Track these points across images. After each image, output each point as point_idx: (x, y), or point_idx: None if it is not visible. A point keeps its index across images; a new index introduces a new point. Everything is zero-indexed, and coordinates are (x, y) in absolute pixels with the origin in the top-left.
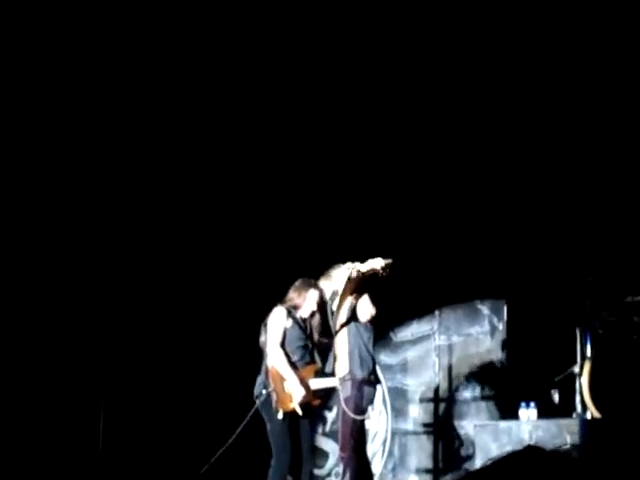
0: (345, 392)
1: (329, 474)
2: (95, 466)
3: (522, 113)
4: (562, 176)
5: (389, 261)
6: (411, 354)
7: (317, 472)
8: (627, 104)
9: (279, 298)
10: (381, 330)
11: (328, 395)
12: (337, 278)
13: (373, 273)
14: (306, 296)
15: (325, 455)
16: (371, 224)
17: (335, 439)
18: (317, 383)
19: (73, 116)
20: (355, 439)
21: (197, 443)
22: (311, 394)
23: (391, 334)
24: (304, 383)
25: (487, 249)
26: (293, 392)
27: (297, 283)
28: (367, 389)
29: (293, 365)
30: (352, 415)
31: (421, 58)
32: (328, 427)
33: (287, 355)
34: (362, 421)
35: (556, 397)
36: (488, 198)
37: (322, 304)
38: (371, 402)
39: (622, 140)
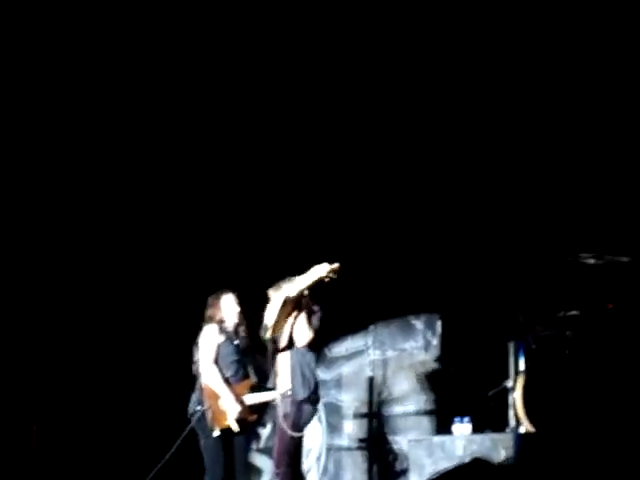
0: (285, 408)
1: None
2: None
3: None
4: (495, 192)
5: (335, 266)
6: (345, 369)
7: None
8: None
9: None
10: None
11: (262, 411)
12: (287, 290)
13: (319, 281)
14: (220, 304)
15: (259, 472)
16: (307, 239)
17: (269, 455)
18: (253, 398)
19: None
20: (290, 455)
21: (132, 461)
22: (247, 410)
23: (325, 350)
24: (239, 399)
25: (421, 264)
26: (228, 409)
27: (209, 300)
28: (307, 408)
29: (227, 381)
30: (289, 432)
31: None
32: (262, 443)
33: (221, 371)
34: (299, 438)
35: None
36: (421, 214)
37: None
38: (309, 420)
39: (550, 153)
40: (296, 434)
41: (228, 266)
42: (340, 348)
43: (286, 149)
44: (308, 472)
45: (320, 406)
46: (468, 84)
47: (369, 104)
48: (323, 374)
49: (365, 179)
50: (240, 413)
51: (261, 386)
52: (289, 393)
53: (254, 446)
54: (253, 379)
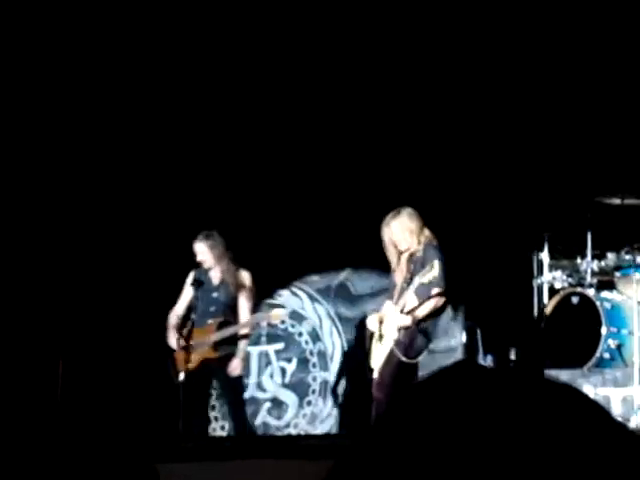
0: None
1: (287, 425)
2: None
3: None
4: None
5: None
6: (370, 308)
7: (275, 423)
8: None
9: None
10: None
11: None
12: None
13: None
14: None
15: (284, 406)
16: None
17: (294, 390)
18: (217, 335)
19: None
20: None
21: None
22: (202, 350)
23: (350, 286)
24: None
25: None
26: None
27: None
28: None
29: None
30: (402, 358)
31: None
32: (287, 378)
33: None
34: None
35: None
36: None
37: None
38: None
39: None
40: (408, 360)
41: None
42: (365, 286)
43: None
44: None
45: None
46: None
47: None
48: (347, 311)
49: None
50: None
51: (228, 322)
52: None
53: (279, 380)
54: (219, 319)
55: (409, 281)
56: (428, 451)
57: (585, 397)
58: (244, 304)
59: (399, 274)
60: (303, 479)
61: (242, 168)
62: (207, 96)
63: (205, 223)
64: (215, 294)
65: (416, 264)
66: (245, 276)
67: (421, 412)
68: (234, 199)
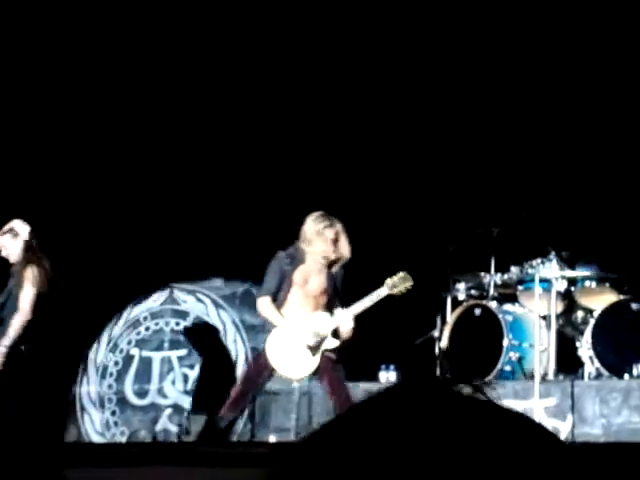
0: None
1: (188, 432)
2: None
3: None
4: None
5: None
6: None
7: (177, 430)
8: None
9: None
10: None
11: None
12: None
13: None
14: None
15: (185, 413)
16: None
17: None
18: None
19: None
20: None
21: None
22: None
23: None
24: None
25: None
26: None
27: None
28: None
29: None
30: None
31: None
32: (190, 385)
33: None
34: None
35: None
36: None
37: None
38: None
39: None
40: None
41: None
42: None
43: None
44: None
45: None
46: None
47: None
48: (252, 318)
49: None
50: None
51: None
52: None
53: (181, 387)
54: None
55: (338, 293)
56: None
57: (514, 413)
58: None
59: (318, 281)
60: None
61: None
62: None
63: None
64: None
65: (336, 279)
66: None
67: (356, 429)
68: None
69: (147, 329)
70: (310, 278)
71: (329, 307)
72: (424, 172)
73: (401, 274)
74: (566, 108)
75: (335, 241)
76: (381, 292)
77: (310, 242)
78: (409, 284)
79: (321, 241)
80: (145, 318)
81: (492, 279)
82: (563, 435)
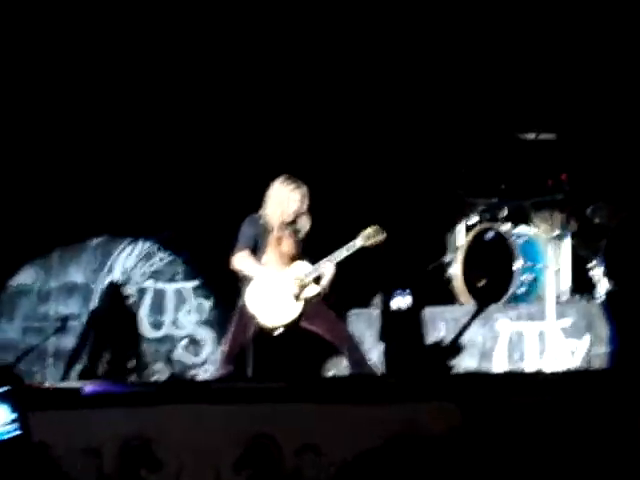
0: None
1: (204, 362)
2: None
3: None
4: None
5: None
6: None
7: (193, 360)
8: None
9: None
10: None
11: None
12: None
13: None
14: None
15: (201, 344)
16: None
17: (212, 327)
18: None
19: None
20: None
21: None
22: None
23: None
24: None
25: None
26: None
27: None
28: None
29: None
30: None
31: None
32: (205, 315)
33: None
34: None
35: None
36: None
37: None
38: None
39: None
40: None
41: None
42: None
43: None
44: None
45: None
46: None
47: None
48: None
49: None
50: None
51: None
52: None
53: (196, 318)
54: None
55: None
56: None
57: None
58: None
59: (291, 242)
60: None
61: None
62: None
63: None
64: None
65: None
66: None
67: None
68: None
69: (161, 260)
70: (283, 240)
71: None
72: (429, 97)
73: (374, 227)
74: None
75: (299, 209)
76: (356, 243)
77: (277, 204)
78: (381, 237)
79: (285, 203)
80: (158, 249)
81: (504, 202)
82: (580, 355)
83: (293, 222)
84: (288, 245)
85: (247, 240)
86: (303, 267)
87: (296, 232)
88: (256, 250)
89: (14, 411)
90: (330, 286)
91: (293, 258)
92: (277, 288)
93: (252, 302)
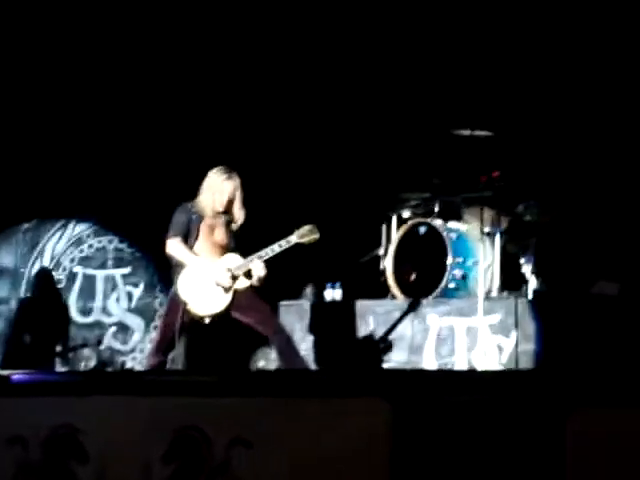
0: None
1: (133, 350)
2: None
3: None
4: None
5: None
6: None
7: (120, 347)
8: None
9: None
10: None
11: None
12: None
13: None
14: None
15: (130, 331)
16: None
17: (141, 315)
18: None
19: None
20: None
21: None
22: None
23: None
24: None
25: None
26: None
27: None
28: None
29: None
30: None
31: None
32: (134, 303)
33: None
34: None
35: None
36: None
37: None
38: None
39: None
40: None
41: None
42: None
43: None
44: None
45: None
46: None
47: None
48: None
49: None
50: None
51: None
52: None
53: (126, 305)
54: None
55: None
56: None
57: None
58: None
59: (223, 232)
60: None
61: None
62: None
63: None
64: None
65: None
66: None
67: None
68: None
69: (90, 247)
70: (215, 229)
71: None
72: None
73: (309, 226)
74: None
75: (231, 199)
76: (290, 240)
77: (210, 193)
78: (315, 236)
79: (218, 193)
80: (88, 236)
81: (437, 197)
82: (507, 352)
83: (226, 212)
84: (220, 235)
85: (179, 227)
86: (234, 259)
87: (229, 223)
88: (188, 238)
89: None
90: (262, 280)
91: (225, 249)
92: (208, 277)
93: (184, 289)
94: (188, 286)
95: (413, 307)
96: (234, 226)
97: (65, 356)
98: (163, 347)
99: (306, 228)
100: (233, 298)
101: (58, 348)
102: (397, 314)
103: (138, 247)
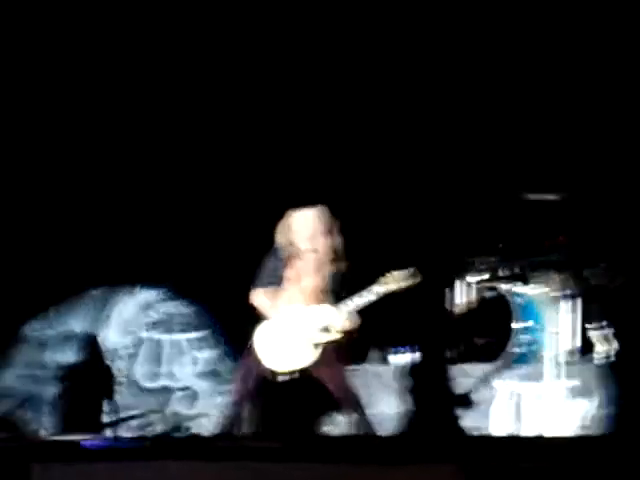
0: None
1: (199, 415)
2: None
3: None
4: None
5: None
6: None
7: (188, 412)
8: None
9: None
10: None
11: None
12: None
13: None
14: None
15: (196, 396)
16: None
17: (207, 380)
18: None
19: None
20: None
21: None
22: None
23: None
24: None
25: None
26: None
27: None
28: None
29: None
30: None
31: None
32: (200, 368)
33: None
34: None
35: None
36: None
37: None
38: None
39: None
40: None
41: None
42: None
43: None
44: None
45: None
46: None
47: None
48: None
49: None
50: None
51: None
52: None
53: (192, 370)
54: None
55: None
56: None
57: None
58: None
59: (313, 279)
60: None
61: None
62: None
63: None
64: None
65: (335, 278)
66: None
67: None
68: None
69: (158, 312)
70: (304, 275)
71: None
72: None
73: (409, 270)
74: None
75: (307, 232)
76: (387, 287)
77: (282, 235)
78: (416, 280)
79: (290, 230)
80: (157, 301)
81: (504, 262)
82: (577, 417)
83: (314, 250)
84: (310, 282)
85: (264, 274)
86: (326, 312)
87: (324, 269)
88: (274, 285)
89: None
90: (352, 335)
91: (314, 296)
92: (291, 332)
93: (260, 344)
94: (264, 341)
95: (481, 372)
96: (332, 265)
97: (120, 424)
98: (239, 401)
99: (406, 271)
100: (318, 354)
101: (114, 415)
102: (465, 380)
103: (206, 311)
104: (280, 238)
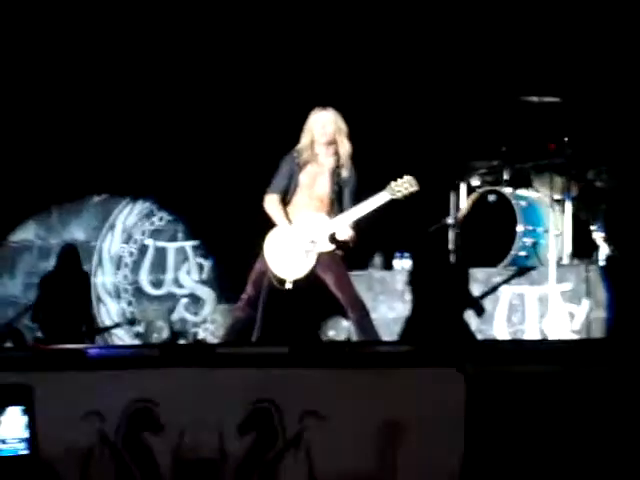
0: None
1: (204, 321)
2: None
3: None
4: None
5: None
6: None
7: (193, 319)
8: None
9: None
10: None
11: None
12: None
13: None
14: None
15: (201, 302)
16: None
17: (211, 286)
18: None
19: None
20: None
21: None
22: None
23: None
24: None
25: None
26: None
27: None
28: None
29: None
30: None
31: None
32: (205, 275)
33: None
34: None
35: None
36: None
37: None
38: None
39: None
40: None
41: None
42: None
43: None
44: None
45: None
46: None
47: None
48: None
49: None
50: None
51: None
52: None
53: (197, 277)
54: None
55: (346, 199)
56: None
57: None
58: None
59: (325, 183)
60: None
61: None
62: None
63: None
64: None
65: (346, 183)
66: None
67: None
68: None
69: (161, 219)
70: (317, 180)
71: (334, 211)
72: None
73: (406, 178)
74: None
75: (329, 131)
76: (383, 197)
77: (306, 132)
78: (413, 189)
79: (314, 127)
80: (158, 208)
81: (506, 165)
82: (579, 319)
83: (332, 153)
84: (322, 187)
85: (278, 181)
86: (319, 221)
87: (335, 171)
88: (289, 190)
89: (26, 428)
90: (348, 245)
91: (324, 201)
92: (290, 241)
93: (268, 252)
94: (272, 248)
95: (484, 276)
96: (344, 172)
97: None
98: (251, 302)
99: (403, 180)
100: (314, 262)
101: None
102: (469, 284)
103: (209, 220)
104: (303, 137)
